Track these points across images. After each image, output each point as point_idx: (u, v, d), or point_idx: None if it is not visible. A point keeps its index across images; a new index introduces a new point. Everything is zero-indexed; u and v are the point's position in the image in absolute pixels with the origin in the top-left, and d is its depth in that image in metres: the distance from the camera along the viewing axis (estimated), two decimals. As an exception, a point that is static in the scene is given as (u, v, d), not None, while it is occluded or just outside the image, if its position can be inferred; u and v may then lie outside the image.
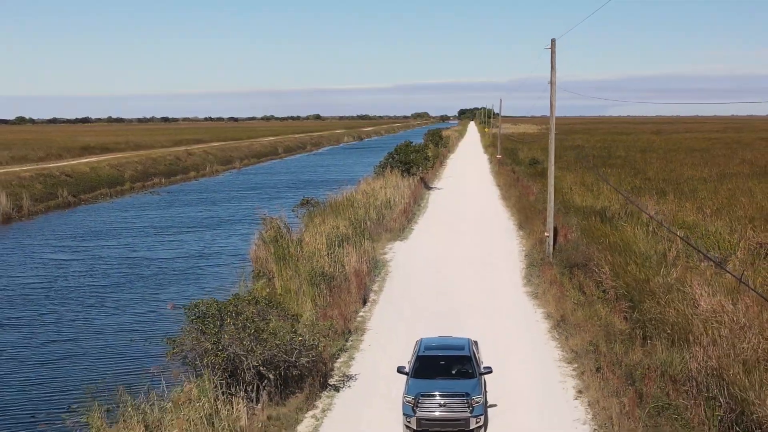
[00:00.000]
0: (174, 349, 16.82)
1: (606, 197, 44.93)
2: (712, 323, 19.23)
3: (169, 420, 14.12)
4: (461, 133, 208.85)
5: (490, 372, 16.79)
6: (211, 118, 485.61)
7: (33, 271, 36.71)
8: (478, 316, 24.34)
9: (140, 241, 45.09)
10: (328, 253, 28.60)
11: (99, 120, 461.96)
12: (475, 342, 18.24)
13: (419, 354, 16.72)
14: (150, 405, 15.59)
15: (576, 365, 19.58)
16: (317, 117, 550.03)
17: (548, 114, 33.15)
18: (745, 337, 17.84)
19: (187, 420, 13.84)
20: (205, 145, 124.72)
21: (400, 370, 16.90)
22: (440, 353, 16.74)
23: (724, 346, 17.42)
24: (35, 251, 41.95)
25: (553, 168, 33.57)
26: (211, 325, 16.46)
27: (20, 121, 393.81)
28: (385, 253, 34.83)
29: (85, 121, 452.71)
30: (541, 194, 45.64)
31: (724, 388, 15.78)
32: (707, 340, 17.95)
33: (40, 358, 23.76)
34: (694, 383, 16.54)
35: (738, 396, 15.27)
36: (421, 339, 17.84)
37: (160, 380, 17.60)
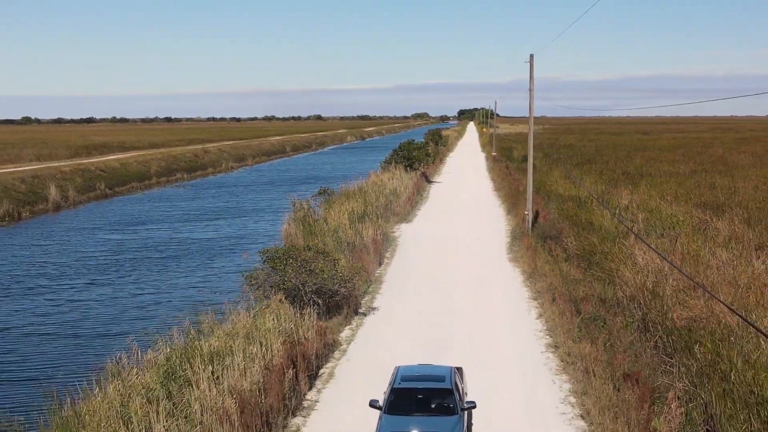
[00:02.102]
0: (251, 282, 23.84)
1: (586, 189, 52.01)
2: (641, 271, 26.24)
3: (261, 320, 20.99)
4: (460, 133, 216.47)
5: (474, 407, 15.24)
6: (213, 118, 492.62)
7: (100, 247, 43.75)
8: (469, 274, 31.42)
9: (180, 225, 52.12)
10: (350, 227, 35.63)
11: (104, 120, 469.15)
12: (459, 369, 16.69)
13: (394, 386, 14.97)
14: (235, 316, 22.53)
15: (539, 300, 26.69)
16: (318, 117, 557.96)
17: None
18: (657, 279, 24.86)
19: (274, 319, 20.76)
20: (217, 143, 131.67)
21: (372, 404, 15.08)
22: (418, 385, 14.98)
23: (641, 282, 24.46)
24: (94, 233, 48.99)
25: (531, 159, 40.76)
26: (280, 264, 23.51)
27: (26, 121, 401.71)
28: (393, 232, 41.90)
29: (90, 120, 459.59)
30: (527, 185, 52.80)
31: (637, 307, 22.82)
32: (633, 279, 24.97)
33: (136, 304, 30.74)
34: (618, 305, 23.61)
35: (644, 311, 22.30)
36: (398, 368, 16.00)
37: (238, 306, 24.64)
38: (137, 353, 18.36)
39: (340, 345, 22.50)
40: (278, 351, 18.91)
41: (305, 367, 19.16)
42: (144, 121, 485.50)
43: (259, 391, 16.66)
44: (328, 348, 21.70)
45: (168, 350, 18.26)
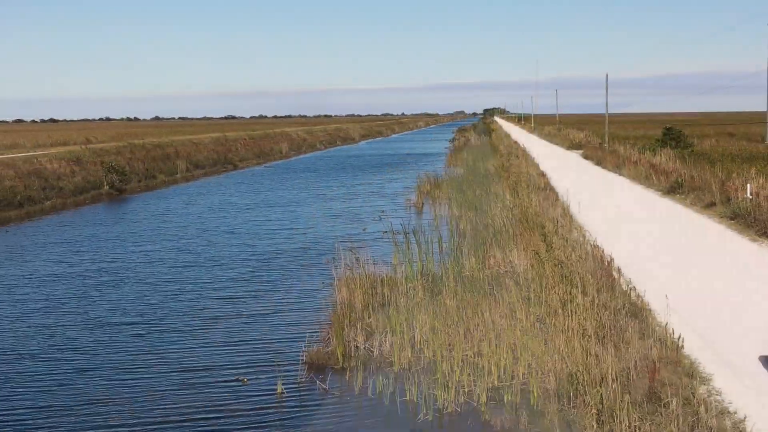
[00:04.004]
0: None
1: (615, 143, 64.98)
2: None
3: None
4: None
5: None
6: (233, 117, 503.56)
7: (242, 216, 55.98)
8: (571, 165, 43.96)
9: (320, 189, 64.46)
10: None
11: (121, 119, 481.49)
12: None
13: None
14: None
15: (591, 161, 39.42)
16: (326, 116, 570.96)
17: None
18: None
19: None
20: (288, 129, 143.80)
21: None
22: None
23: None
24: (235, 196, 61.33)
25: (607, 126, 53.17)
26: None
27: (53, 121, 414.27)
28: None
29: (108, 120, 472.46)
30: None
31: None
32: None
33: (273, 266, 42.12)
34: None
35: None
36: None
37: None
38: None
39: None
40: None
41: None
42: (156, 119, 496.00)
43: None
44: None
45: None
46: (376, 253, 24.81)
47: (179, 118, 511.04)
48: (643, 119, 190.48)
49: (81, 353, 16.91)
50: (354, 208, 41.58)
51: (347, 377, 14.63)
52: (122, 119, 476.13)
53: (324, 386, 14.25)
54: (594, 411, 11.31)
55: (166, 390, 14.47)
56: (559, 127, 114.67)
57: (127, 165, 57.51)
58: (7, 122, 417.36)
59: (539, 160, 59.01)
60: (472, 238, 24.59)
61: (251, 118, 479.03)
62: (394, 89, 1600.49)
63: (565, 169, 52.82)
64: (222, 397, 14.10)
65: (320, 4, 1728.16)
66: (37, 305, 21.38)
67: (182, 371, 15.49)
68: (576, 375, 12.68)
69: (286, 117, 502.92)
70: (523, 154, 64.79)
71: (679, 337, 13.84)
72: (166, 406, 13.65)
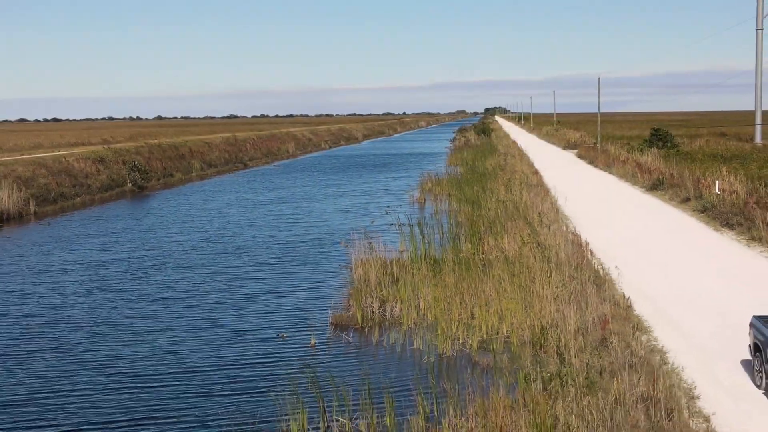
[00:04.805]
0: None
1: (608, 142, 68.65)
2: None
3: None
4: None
5: None
6: (235, 116, 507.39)
7: (254, 212, 59.55)
8: (565, 164, 47.53)
9: (317, 193, 68.07)
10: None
11: (124, 119, 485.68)
12: None
13: None
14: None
15: (584, 160, 42.99)
16: (328, 115, 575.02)
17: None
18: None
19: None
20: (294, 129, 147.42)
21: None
22: None
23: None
24: (249, 195, 64.95)
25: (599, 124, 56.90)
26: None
27: (56, 120, 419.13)
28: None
29: (111, 119, 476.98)
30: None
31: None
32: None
33: (299, 251, 45.93)
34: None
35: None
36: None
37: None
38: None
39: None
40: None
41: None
42: (159, 118, 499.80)
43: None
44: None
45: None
46: (384, 241, 28.37)
47: (181, 117, 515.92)
48: (641, 119, 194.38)
49: (144, 320, 20.54)
50: (362, 204, 45.24)
51: (366, 333, 18.30)
52: (124, 119, 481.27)
53: (348, 339, 17.90)
54: (554, 349, 14.93)
55: (221, 345, 18.10)
56: (556, 127, 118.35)
57: (146, 164, 61.15)
58: (10, 121, 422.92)
59: (535, 159, 62.72)
60: (469, 227, 28.21)
61: (253, 117, 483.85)
62: (396, 88, 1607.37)
63: (558, 168, 56.45)
64: (267, 349, 17.74)
65: (321, 4, 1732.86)
66: (95, 284, 25.01)
67: (232, 332, 19.15)
68: (546, 328, 16.30)
69: (287, 116, 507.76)
70: (520, 154, 68.51)
71: (628, 299, 17.51)
72: (223, 357, 17.27)
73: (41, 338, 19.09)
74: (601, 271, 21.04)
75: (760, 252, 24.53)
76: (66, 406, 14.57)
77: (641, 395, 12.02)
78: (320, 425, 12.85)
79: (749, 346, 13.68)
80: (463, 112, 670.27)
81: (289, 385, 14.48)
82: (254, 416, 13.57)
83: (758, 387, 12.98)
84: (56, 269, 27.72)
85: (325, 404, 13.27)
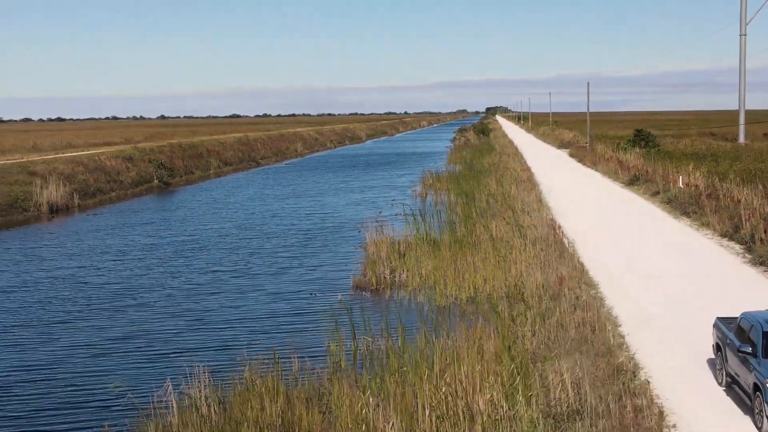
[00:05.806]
0: None
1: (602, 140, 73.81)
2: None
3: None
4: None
5: None
6: (238, 115, 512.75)
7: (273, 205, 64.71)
8: (555, 162, 52.63)
9: (335, 187, 73.18)
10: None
11: (127, 118, 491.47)
12: None
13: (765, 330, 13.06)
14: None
15: (574, 158, 48.09)
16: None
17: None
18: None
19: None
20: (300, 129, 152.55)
21: (741, 350, 13.06)
22: None
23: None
24: (268, 191, 70.07)
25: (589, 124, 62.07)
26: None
27: (60, 120, 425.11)
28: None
29: (115, 119, 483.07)
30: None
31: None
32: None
33: (324, 239, 51.48)
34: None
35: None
36: (745, 314, 13.98)
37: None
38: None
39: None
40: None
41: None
42: (163, 117, 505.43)
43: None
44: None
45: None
46: (392, 227, 33.49)
47: (184, 116, 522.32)
48: (637, 118, 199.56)
49: (202, 286, 25.74)
50: (370, 198, 50.43)
51: (380, 293, 23.54)
52: (128, 118, 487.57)
53: (367, 296, 23.11)
54: (521, 297, 20.09)
55: (269, 302, 23.33)
56: (552, 127, 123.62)
57: (170, 162, 66.38)
58: (15, 121, 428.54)
59: (528, 157, 67.96)
60: (464, 215, 33.34)
61: (255, 116, 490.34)
62: (397, 88, 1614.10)
63: (549, 166, 61.54)
64: (304, 304, 22.93)
65: (323, 4, 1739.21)
66: (152, 261, 30.18)
67: (275, 293, 24.43)
68: (518, 285, 21.45)
69: (290, 116, 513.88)
70: (515, 153, 73.73)
71: (582, 264, 22.71)
72: (266, 312, 22.45)
73: (124, 298, 24.29)
74: (569, 247, 26.18)
75: (705, 235, 29.64)
76: (165, 339, 19.77)
77: (578, 322, 17.15)
78: (351, 345, 17.98)
79: (712, 345, 14.86)
80: (464, 111, 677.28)
81: (328, 320, 19.68)
82: (304, 340, 18.81)
83: (719, 384, 14.00)
84: (114, 250, 32.92)
85: (355, 331, 18.40)
